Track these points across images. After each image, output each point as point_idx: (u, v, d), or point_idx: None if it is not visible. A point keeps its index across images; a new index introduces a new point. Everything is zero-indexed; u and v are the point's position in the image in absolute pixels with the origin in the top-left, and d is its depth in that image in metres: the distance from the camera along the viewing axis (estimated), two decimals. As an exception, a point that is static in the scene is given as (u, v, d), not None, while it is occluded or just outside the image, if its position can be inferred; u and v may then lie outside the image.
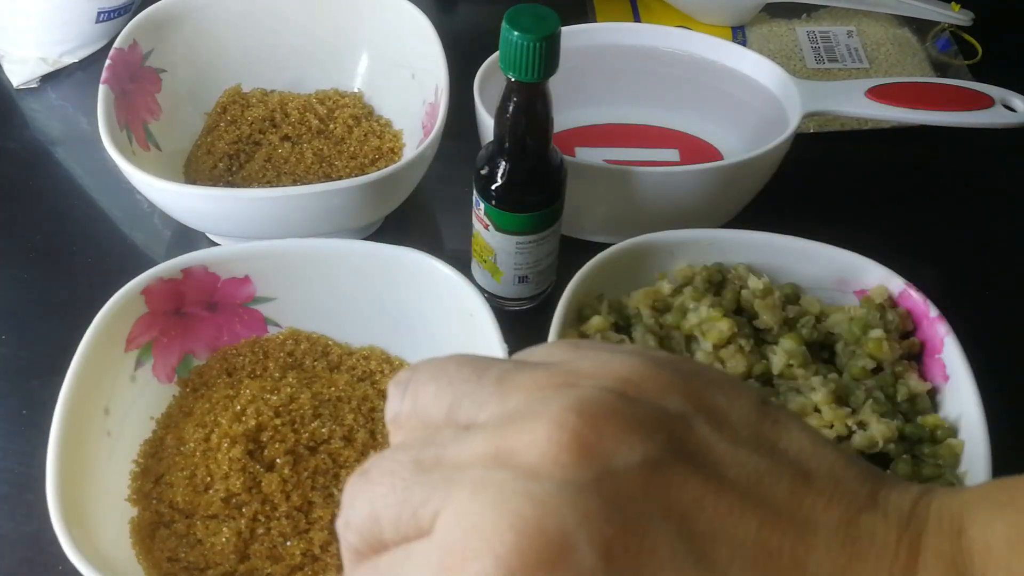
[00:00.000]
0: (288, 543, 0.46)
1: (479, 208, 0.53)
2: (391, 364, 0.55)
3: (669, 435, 0.23)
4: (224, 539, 0.46)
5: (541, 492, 0.21)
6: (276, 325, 0.56)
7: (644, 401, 0.23)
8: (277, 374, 0.54)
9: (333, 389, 0.52)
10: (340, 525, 0.24)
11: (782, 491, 0.23)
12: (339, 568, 0.46)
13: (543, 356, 0.26)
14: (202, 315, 0.54)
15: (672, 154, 0.68)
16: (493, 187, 0.52)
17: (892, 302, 0.53)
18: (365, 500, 0.23)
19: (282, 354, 0.55)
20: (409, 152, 0.64)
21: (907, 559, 0.22)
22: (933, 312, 0.51)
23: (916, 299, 0.52)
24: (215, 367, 0.54)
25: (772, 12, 0.79)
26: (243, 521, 0.46)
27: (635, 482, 0.22)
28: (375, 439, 0.51)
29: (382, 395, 0.53)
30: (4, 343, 0.58)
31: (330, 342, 0.56)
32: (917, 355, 0.52)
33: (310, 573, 0.46)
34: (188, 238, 0.63)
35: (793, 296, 0.54)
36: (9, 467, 0.52)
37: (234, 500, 0.47)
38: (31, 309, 0.60)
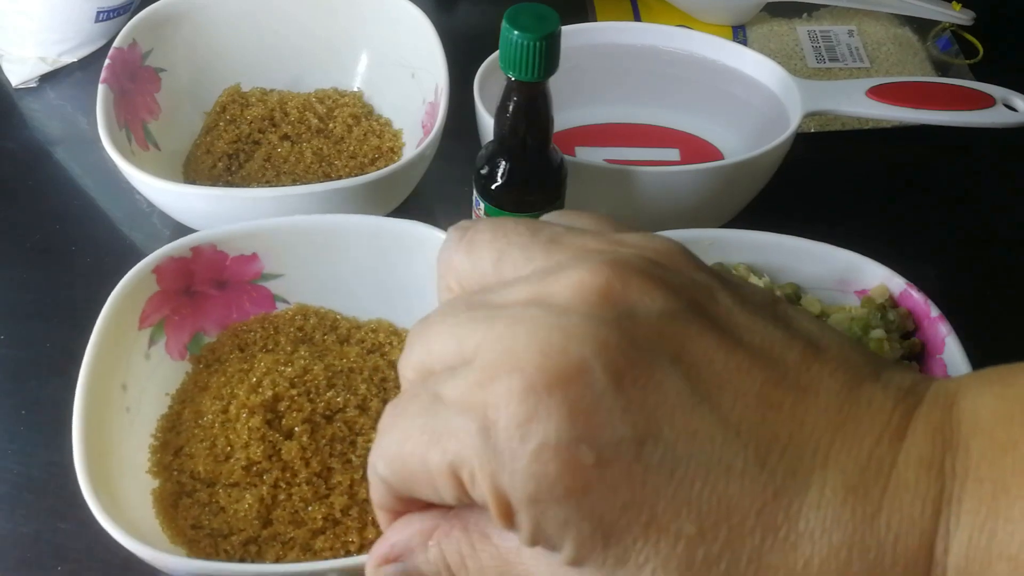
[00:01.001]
0: (309, 508, 0.48)
1: (479, 208, 0.53)
2: (399, 336, 0.56)
3: (693, 298, 0.25)
4: (247, 505, 0.47)
5: (567, 323, 0.23)
6: (284, 301, 0.57)
7: (675, 270, 0.26)
8: (289, 348, 0.54)
9: (345, 361, 0.53)
10: (401, 365, 0.27)
11: (793, 356, 0.25)
12: (360, 531, 0.47)
13: (590, 223, 0.29)
14: (211, 293, 0.55)
15: (673, 154, 0.68)
16: (493, 187, 0.52)
17: (893, 302, 0.53)
18: (422, 341, 0.26)
19: (292, 329, 0.56)
20: (409, 151, 0.64)
21: (898, 425, 0.24)
22: (934, 312, 0.51)
23: (917, 299, 0.52)
24: (227, 343, 0.55)
25: (773, 11, 0.79)
26: (264, 488, 0.48)
27: (652, 326, 0.24)
28: None
29: (392, 366, 0.54)
30: (3, 343, 0.58)
31: (338, 316, 0.57)
32: (918, 355, 0.52)
33: (331, 536, 0.47)
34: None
35: (794, 296, 0.54)
36: (8, 467, 0.52)
37: (255, 468, 0.48)
38: (30, 309, 0.60)
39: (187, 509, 0.48)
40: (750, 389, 0.24)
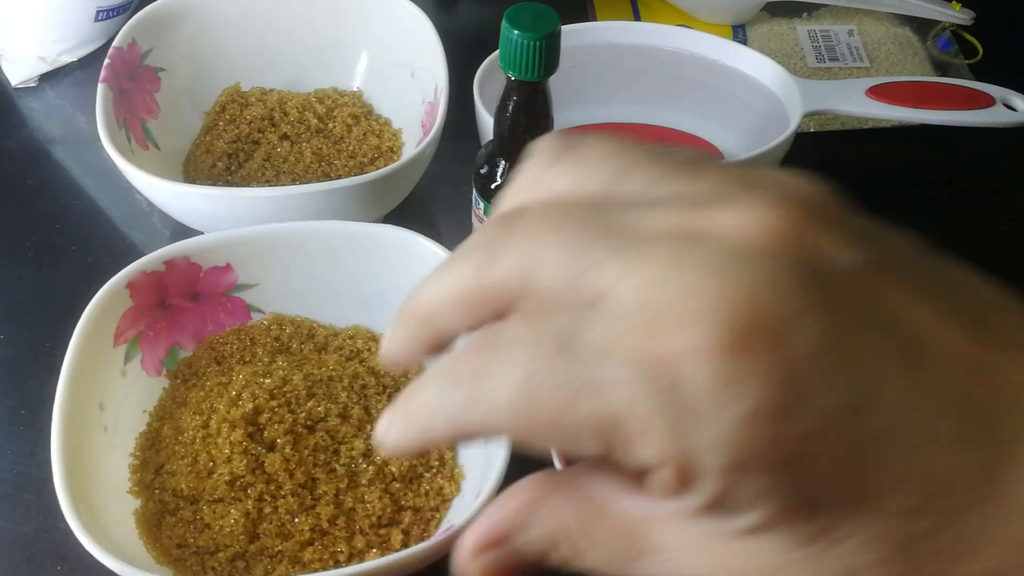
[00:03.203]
0: (296, 520, 0.47)
1: (479, 207, 0.53)
2: (377, 342, 0.55)
3: (876, 246, 0.22)
4: (233, 521, 0.47)
5: (753, 270, 0.20)
6: (259, 311, 0.56)
7: (841, 219, 0.23)
8: (266, 359, 0.54)
9: (324, 369, 0.53)
10: (485, 273, 0.22)
11: (981, 311, 0.22)
12: (347, 540, 0.47)
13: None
14: (186, 306, 0.54)
15: (672, 153, 0.68)
16: (492, 186, 0.52)
17: (893, 302, 0.53)
18: (516, 251, 0.22)
19: (268, 339, 0.55)
20: (408, 151, 0.64)
21: None
22: (934, 312, 0.51)
23: (917, 299, 0.52)
24: (203, 357, 0.54)
25: (773, 11, 0.79)
26: (250, 502, 0.47)
27: (852, 281, 0.21)
28: (370, 415, 0.51)
29: (372, 372, 0.54)
30: (3, 343, 0.58)
31: (315, 324, 0.56)
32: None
33: (320, 547, 0.47)
34: (187, 237, 0.62)
35: (794, 296, 0.54)
36: (8, 467, 0.52)
37: (239, 482, 0.48)
38: (30, 308, 0.60)
39: (171, 528, 0.47)
40: (951, 348, 0.21)
